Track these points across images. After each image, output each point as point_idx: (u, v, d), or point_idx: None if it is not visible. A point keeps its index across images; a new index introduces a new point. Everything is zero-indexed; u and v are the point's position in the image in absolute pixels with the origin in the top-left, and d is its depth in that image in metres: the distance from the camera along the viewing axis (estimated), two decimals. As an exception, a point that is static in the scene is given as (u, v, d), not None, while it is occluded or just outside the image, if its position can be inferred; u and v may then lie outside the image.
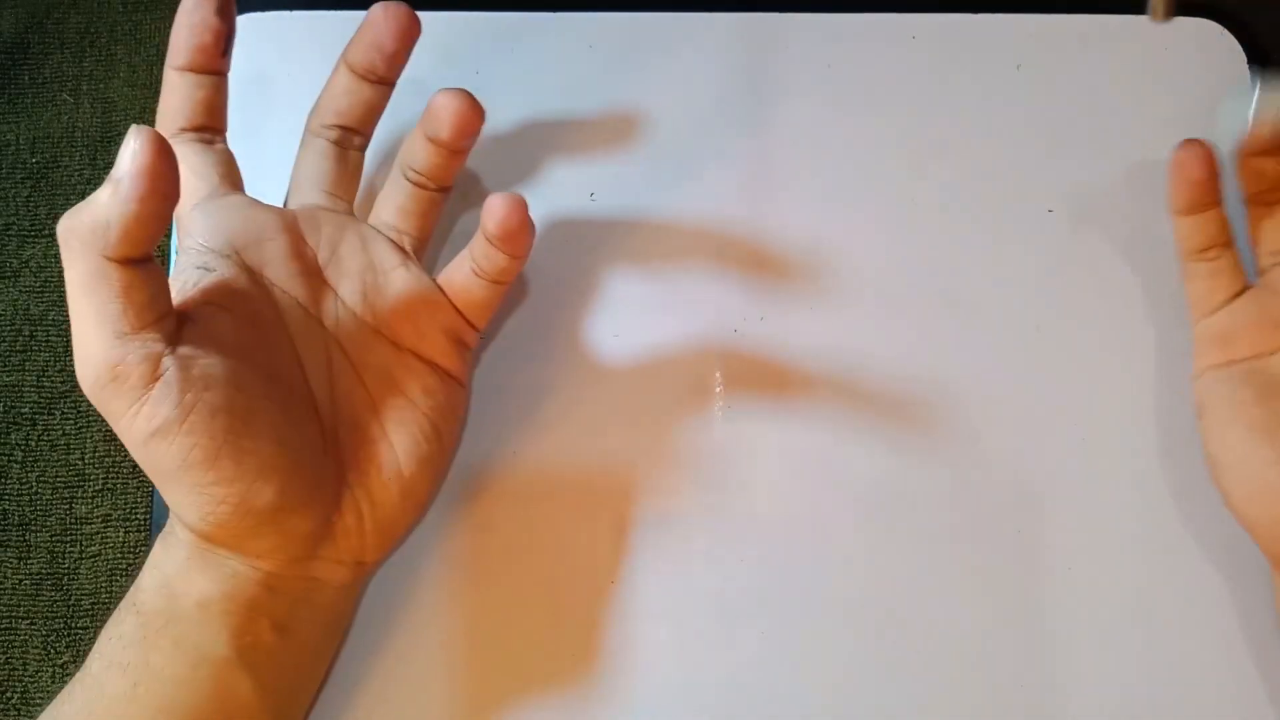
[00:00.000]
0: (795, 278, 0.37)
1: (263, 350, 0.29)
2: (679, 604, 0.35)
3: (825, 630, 0.35)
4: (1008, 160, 0.38)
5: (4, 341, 0.38)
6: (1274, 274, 0.34)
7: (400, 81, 0.37)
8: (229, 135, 0.32)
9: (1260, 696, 0.34)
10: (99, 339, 0.25)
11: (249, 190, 0.32)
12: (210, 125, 0.31)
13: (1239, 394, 0.32)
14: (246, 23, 0.39)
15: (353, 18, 0.39)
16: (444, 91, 0.31)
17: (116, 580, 0.37)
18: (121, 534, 0.37)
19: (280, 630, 0.30)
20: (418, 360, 0.32)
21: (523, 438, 0.36)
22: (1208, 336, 0.34)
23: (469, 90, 0.31)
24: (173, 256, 0.31)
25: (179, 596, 0.28)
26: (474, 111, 0.31)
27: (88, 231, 0.24)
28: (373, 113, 0.33)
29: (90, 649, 0.36)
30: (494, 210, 0.30)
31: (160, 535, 0.30)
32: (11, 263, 0.39)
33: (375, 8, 0.31)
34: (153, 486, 0.36)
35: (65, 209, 0.40)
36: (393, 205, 0.33)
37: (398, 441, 0.31)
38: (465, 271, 0.32)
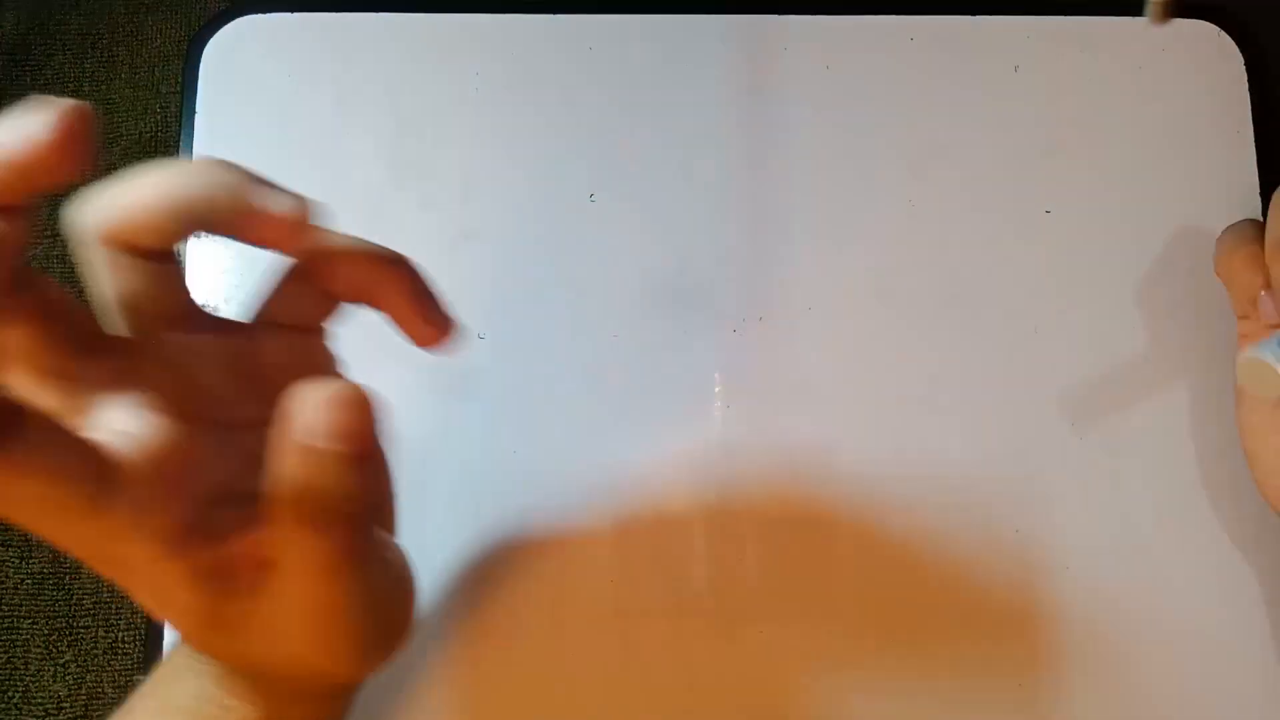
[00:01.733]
0: (794, 278, 0.37)
1: None
2: (679, 604, 0.35)
3: (825, 630, 0.35)
4: (1005, 161, 0.38)
5: (6, 342, 0.38)
6: None
7: (400, 86, 0.37)
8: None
9: (1259, 696, 0.34)
10: None
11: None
12: None
13: None
14: (245, 25, 0.39)
15: (350, 19, 0.39)
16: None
17: (118, 580, 0.37)
18: (123, 533, 0.37)
19: None
20: None
21: (523, 438, 0.36)
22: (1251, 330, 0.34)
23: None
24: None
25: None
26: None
27: None
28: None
29: (91, 648, 0.36)
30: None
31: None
32: (13, 263, 0.39)
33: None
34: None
35: (67, 209, 0.40)
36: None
37: None
38: None
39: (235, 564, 0.22)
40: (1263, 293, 0.32)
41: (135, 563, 0.21)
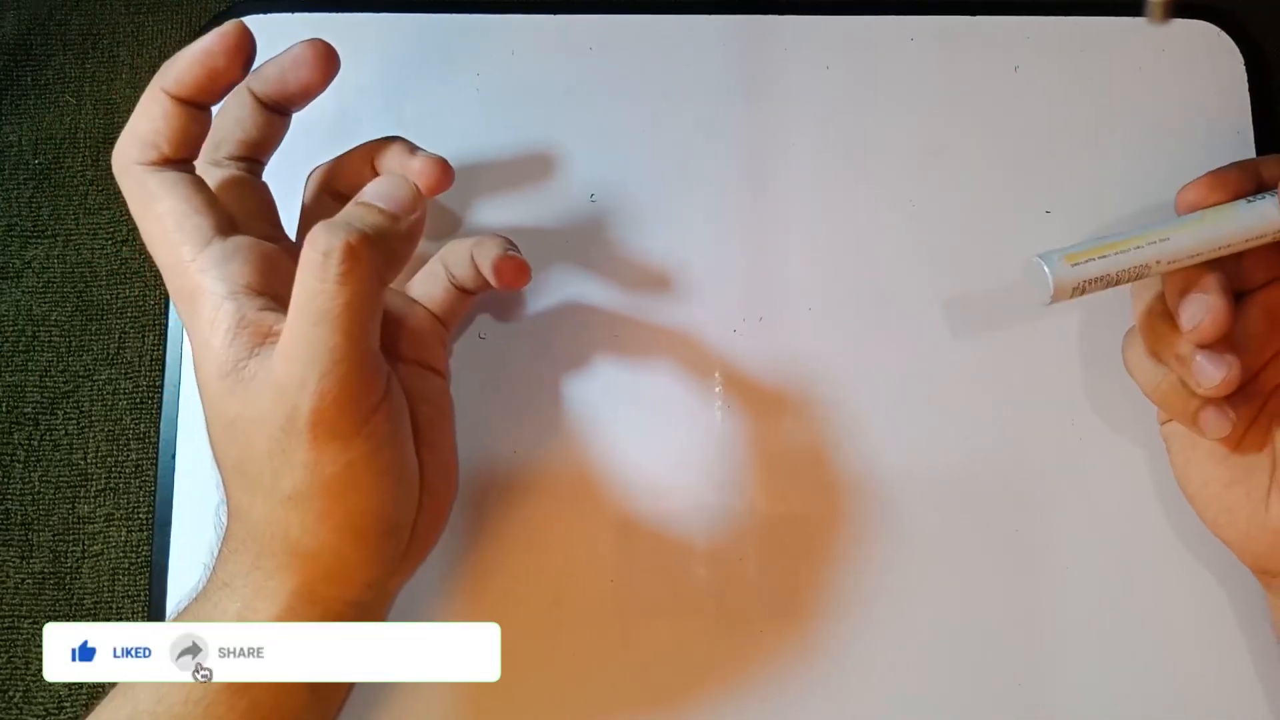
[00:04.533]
0: (794, 278, 0.37)
1: None
2: (679, 604, 0.35)
3: (824, 630, 0.35)
4: (1006, 161, 0.38)
5: (7, 342, 0.38)
6: None
7: (400, 86, 0.37)
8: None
9: (1258, 695, 0.34)
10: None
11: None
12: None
13: None
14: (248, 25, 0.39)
15: (350, 19, 0.39)
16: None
17: (119, 579, 0.37)
18: (124, 533, 0.37)
19: None
20: (422, 368, 0.32)
21: (523, 438, 0.36)
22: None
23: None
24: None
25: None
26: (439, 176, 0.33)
27: None
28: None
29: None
30: (503, 272, 0.32)
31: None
32: (14, 263, 0.39)
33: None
34: (155, 486, 0.37)
35: (68, 210, 0.40)
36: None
37: (433, 454, 0.31)
38: (444, 286, 0.33)
39: (270, 324, 0.27)
40: (1203, 410, 0.31)
41: (203, 295, 0.27)
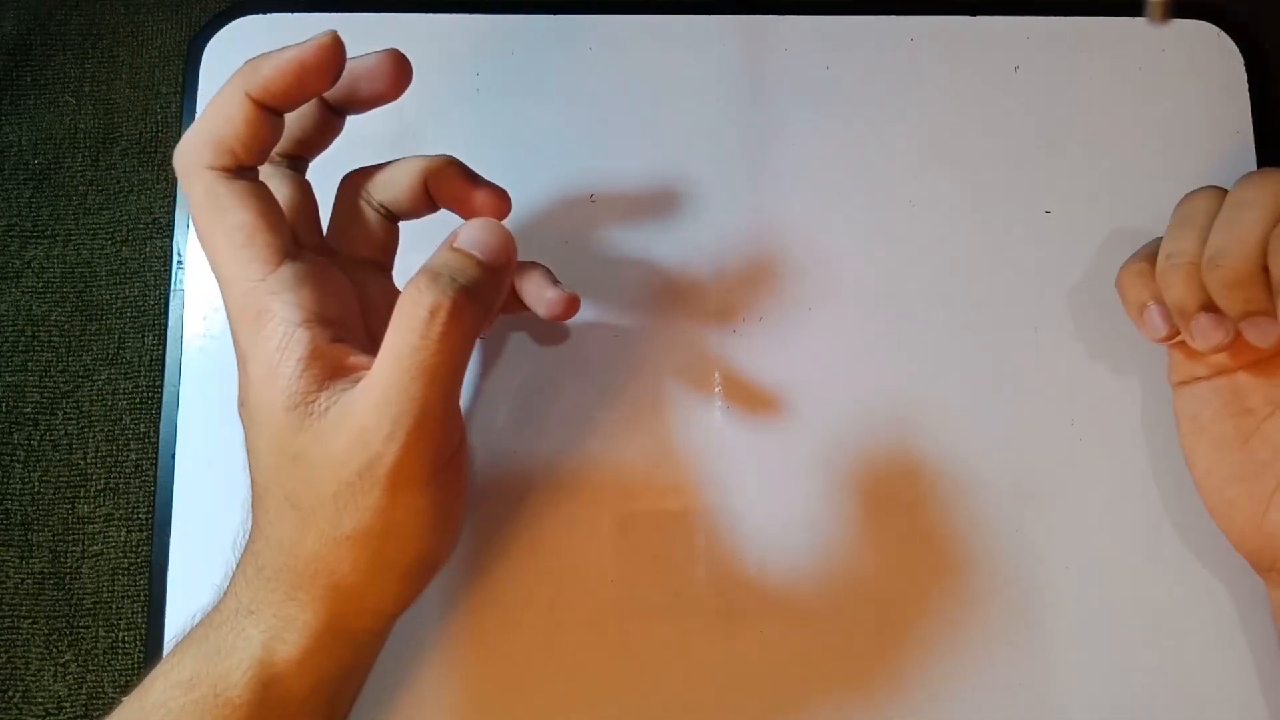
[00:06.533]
0: (794, 278, 0.37)
1: None
2: (679, 604, 0.35)
3: (824, 630, 0.35)
4: (1006, 162, 0.38)
5: (6, 342, 0.38)
6: None
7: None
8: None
9: (1257, 695, 0.34)
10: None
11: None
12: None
13: (1206, 409, 0.33)
14: (245, 25, 0.39)
15: (350, 19, 0.39)
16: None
17: (119, 579, 0.37)
18: (124, 533, 0.37)
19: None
20: None
21: (523, 438, 0.36)
22: (1175, 353, 0.34)
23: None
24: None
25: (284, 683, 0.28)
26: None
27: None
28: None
29: (91, 648, 0.36)
30: (557, 308, 0.32)
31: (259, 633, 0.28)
32: (14, 264, 0.39)
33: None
34: (155, 486, 0.37)
35: (67, 210, 0.40)
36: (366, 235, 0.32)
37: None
38: None
39: (341, 358, 0.27)
40: (1151, 305, 0.32)
41: (274, 320, 0.27)
